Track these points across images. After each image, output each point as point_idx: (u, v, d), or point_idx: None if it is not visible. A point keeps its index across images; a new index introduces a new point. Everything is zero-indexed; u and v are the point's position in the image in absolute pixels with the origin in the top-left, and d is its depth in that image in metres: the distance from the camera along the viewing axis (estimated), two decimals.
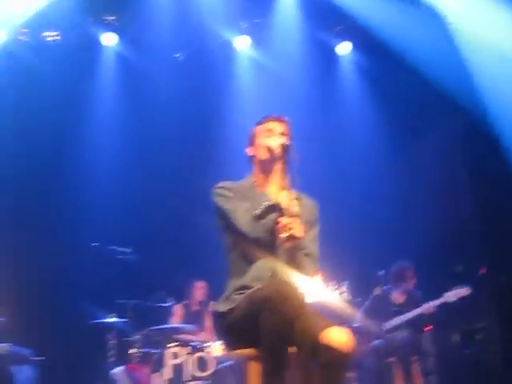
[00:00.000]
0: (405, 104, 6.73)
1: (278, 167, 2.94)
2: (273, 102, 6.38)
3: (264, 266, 2.87)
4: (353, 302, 5.69)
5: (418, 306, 5.49)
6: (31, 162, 6.56)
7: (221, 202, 2.96)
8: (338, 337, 2.63)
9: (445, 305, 5.35)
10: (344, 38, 7.19)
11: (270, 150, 2.96)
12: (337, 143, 6.93)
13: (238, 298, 2.82)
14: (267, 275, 2.84)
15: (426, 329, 5.93)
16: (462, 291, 5.29)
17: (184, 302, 6.55)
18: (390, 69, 6.68)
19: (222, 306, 2.89)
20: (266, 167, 3.01)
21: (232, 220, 2.89)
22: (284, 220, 2.80)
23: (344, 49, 7.25)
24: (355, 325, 5.73)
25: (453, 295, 5.29)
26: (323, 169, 6.60)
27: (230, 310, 2.82)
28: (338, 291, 5.51)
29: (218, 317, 2.91)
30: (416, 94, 6.56)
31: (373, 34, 6.58)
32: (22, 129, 6.39)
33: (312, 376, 2.63)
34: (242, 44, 7.06)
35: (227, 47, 7.10)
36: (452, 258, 6.52)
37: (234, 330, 2.82)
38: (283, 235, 2.78)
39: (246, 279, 2.87)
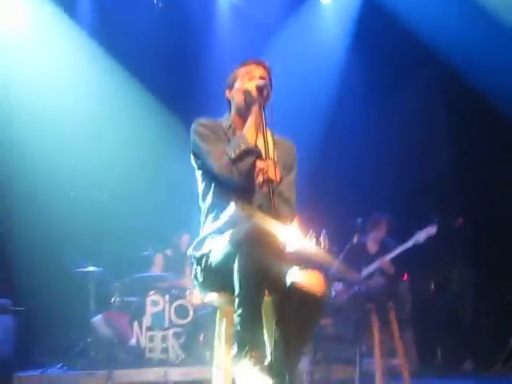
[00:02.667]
0: (387, 55, 6.68)
1: (254, 110, 2.88)
2: (253, 48, 6.29)
3: (239, 210, 2.86)
4: (330, 250, 5.72)
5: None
6: None
7: (197, 140, 2.90)
8: (309, 280, 2.64)
9: (416, 247, 5.41)
10: None
11: (246, 92, 2.92)
12: (316, 91, 6.84)
13: (213, 241, 2.80)
14: (242, 219, 2.83)
15: (404, 276, 6.04)
16: (429, 229, 5.35)
17: (164, 252, 6.56)
18: (374, 20, 6.62)
19: (197, 250, 2.87)
20: (243, 111, 2.96)
21: (207, 161, 2.84)
22: (260, 164, 2.78)
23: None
24: (333, 271, 5.80)
25: (422, 235, 5.36)
26: (303, 115, 6.56)
27: (205, 254, 2.81)
28: (315, 239, 5.53)
29: (194, 261, 2.90)
30: (400, 46, 6.52)
31: None
32: None
33: (287, 320, 2.64)
34: None
35: None
36: (429, 209, 6.58)
37: (209, 274, 2.81)
38: (259, 179, 2.77)
39: (220, 223, 2.85)
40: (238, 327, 2.58)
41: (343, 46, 6.98)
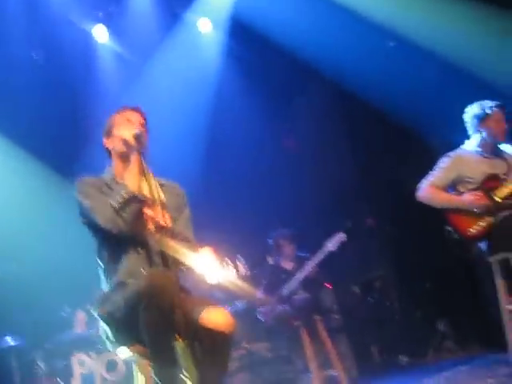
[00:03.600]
0: (270, 77, 6.82)
1: (133, 158, 2.86)
2: (135, 93, 6.26)
3: (136, 258, 2.82)
4: (250, 275, 5.74)
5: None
6: None
7: (81, 198, 2.86)
8: (215, 317, 2.64)
9: (330, 255, 5.49)
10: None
11: (124, 141, 2.90)
12: (208, 121, 6.87)
13: (116, 296, 2.75)
14: (139, 269, 2.79)
15: (327, 285, 6.11)
16: (338, 237, 5.44)
17: (85, 307, 6.34)
18: (252, 44, 6.74)
19: (103, 310, 2.80)
20: (124, 159, 2.94)
21: (93, 217, 2.79)
22: (148, 211, 2.77)
23: (204, 26, 7.14)
24: (256, 298, 5.80)
25: (333, 242, 5.44)
26: (196, 148, 6.57)
27: (111, 312, 2.74)
28: (232, 267, 5.52)
29: (99, 319, 2.84)
30: (283, 66, 6.68)
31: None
32: None
33: (200, 361, 2.63)
34: (100, 34, 6.81)
35: (86, 39, 6.83)
36: (339, 218, 6.73)
37: (118, 330, 2.75)
38: (151, 227, 2.75)
39: (120, 275, 2.81)
40: (156, 378, 2.57)
41: (225, 73, 7.02)
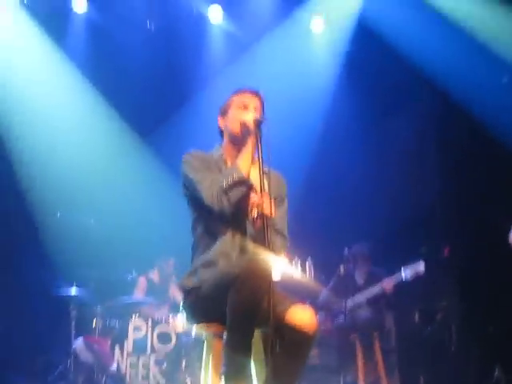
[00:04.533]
0: (378, 82, 6.72)
1: (251, 142, 2.83)
2: (245, 75, 6.30)
3: (231, 241, 2.82)
4: (316, 279, 5.72)
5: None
6: None
7: (188, 171, 2.87)
8: (301, 316, 2.62)
9: (403, 283, 5.42)
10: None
11: (243, 124, 2.87)
12: (307, 119, 6.85)
13: (205, 273, 2.77)
14: (234, 251, 2.80)
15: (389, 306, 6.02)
16: (417, 266, 5.37)
17: (148, 274, 6.48)
18: (365, 45, 6.67)
19: (189, 281, 2.83)
20: (237, 141, 2.92)
21: (198, 191, 2.79)
22: (254, 197, 2.76)
23: (317, 25, 7.13)
24: (319, 300, 5.78)
25: (409, 270, 5.37)
26: (293, 145, 6.55)
27: (197, 285, 2.77)
28: (301, 267, 5.53)
29: (184, 292, 2.86)
30: (391, 72, 6.56)
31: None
32: None
33: (276, 356, 2.59)
34: (215, 14, 6.90)
35: (200, 18, 6.94)
36: (416, 241, 6.59)
37: (199, 305, 2.77)
38: (253, 213, 2.74)
39: (212, 254, 2.81)
40: (227, 360, 2.57)
41: (334, 75, 6.98)
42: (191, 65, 6.85)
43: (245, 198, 2.79)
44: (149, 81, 6.71)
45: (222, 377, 2.61)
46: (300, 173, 6.29)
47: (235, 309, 2.50)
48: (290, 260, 5.65)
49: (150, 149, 6.80)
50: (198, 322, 2.83)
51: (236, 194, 2.75)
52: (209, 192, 2.76)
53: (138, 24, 6.76)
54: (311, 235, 6.08)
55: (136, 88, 6.68)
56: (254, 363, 2.74)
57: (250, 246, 2.80)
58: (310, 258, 5.73)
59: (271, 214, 2.71)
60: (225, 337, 2.67)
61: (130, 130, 6.84)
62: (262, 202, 2.71)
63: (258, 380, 2.70)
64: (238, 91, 3.04)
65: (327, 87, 6.93)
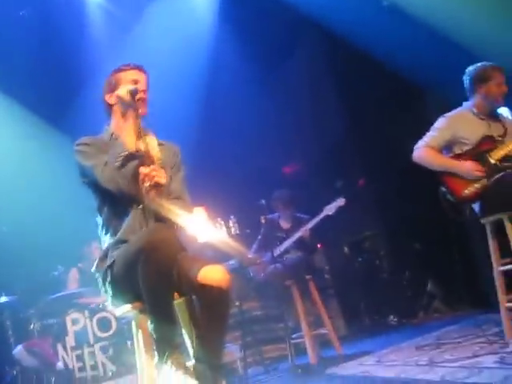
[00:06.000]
0: (261, 33, 6.70)
1: (130, 115, 2.86)
2: (125, 49, 6.18)
3: (136, 217, 2.83)
4: (242, 235, 5.78)
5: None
6: None
7: (81, 159, 2.88)
8: (212, 275, 2.64)
9: (328, 218, 5.56)
10: None
11: (119, 97, 2.90)
12: (203, 82, 6.78)
13: (116, 253, 2.77)
14: (140, 226, 2.81)
15: (317, 246, 6.17)
16: (338, 202, 5.53)
17: (78, 266, 6.37)
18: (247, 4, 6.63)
19: (102, 264, 2.84)
20: (123, 116, 2.93)
21: (93, 175, 2.81)
22: (144, 169, 2.75)
23: None
24: (250, 256, 5.85)
25: (332, 207, 5.52)
26: (190, 104, 6.50)
27: (109, 266, 2.77)
28: (225, 227, 5.56)
29: (100, 275, 2.85)
30: (272, 20, 6.56)
31: None
32: None
33: (201, 318, 2.65)
34: None
35: None
36: (331, 176, 6.73)
37: (116, 286, 2.77)
38: (146, 184, 2.74)
39: (120, 233, 2.83)
40: (154, 335, 2.59)
41: (214, 23, 6.89)
42: (75, 47, 6.61)
43: (137, 171, 2.77)
44: (32, 66, 6.44)
45: (155, 351, 2.62)
46: (196, 131, 6.25)
47: (147, 282, 2.51)
48: (213, 221, 5.68)
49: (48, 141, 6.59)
50: (121, 302, 2.82)
51: (128, 169, 2.76)
52: (103, 174, 2.77)
53: (9, 14, 6.44)
54: (229, 195, 6.12)
55: (23, 79, 6.41)
56: (184, 329, 2.77)
57: (153, 217, 2.81)
58: (232, 217, 5.76)
59: (163, 182, 2.73)
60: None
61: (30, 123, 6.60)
62: (151, 172, 2.71)
63: (190, 345, 2.73)
64: (121, 67, 3.04)
65: (209, 37, 6.84)
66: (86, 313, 5.61)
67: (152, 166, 2.74)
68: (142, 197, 2.81)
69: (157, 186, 2.72)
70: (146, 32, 6.61)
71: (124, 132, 2.85)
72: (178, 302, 2.74)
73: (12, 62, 6.38)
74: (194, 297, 2.71)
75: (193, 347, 2.67)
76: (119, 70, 3.02)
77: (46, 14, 6.53)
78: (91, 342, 5.56)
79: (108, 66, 3.16)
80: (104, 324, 5.61)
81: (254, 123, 6.84)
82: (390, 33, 5.78)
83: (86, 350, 5.54)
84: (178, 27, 6.65)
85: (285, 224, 5.94)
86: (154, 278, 2.49)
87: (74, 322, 5.60)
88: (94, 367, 5.50)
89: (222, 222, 5.67)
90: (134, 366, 5.30)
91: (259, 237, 5.95)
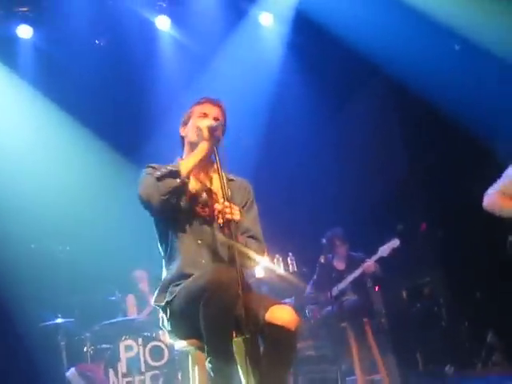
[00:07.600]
0: (331, 71, 6.73)
1: (200, 146, 2.83)
2: (198, 83, 6.29)
3: (196, 250, 2.82)
4: (299, 273, 5.74)
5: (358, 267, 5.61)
6: None
7: (141, 177, 2.87)
8: (281, 314, 2.61)
9: (382, 260, 5.47)
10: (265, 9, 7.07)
11: (198, 130, 2.88)
12: (268, 116, 6.85)
13: (177, 289, 2.75)
14: (200, 260, 2.80)
15: (375, 288, 6.05)
16: (392, 243, 5.44)
17: (136, 293, 6.43)
18: (314, 38, 6.68)
19: (161, 298, 2.81)
20: (194, 147, 2.90)
21: (139, 190, 2.80)
22: (218, 206, 2.74)
23: (266, 20, 7.12)
24: (306, 294, 5.80)
25: (385, 248, 5.43)
26: (256, 145, 6.56)
27: (169, 301, 2.75)
28: (283, 264, 5.56)
29: (159, 309, 2.85)
30: (341, 59, 6.58)
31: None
32: None
33: (264, 359, 2.61)
34: (163, 24, 6.86)
35: (148, 28, 6.89)
36: (392, 219, 6.61)
37: (175, 322, 2.76)
38: (219, 221, 2.73)
39: (181, 267, 2.80)
40: (212, 373, 2.56)
41: (286, 66, 6.98)
42: (145, 77, 6.80)
43: (180, 193, 2.75)
44: (105, 95, 6.62)
45: None
46: (264, 170, 6.29)
47: (208, 322, 2.49)
48: (272, 259, 5.68)
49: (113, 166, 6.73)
50: (178, 338, 2.81)
51: (166, 184, 2.72)
52: (141, 180, 2.81)
53: (86, 42, 6.68)
54: (288, 231, 6.10)
55: (96, 103, 6.60)
56: (242, 371, 2.73)
57: (223, 253, 2.80)
58: (290, 254, 5.75)
59: (237, 218, 2.70)
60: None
61: (96, 149, 6.77)
62: (224, 209, 2.69)
63: None
64: (198, 101, 3.06)
65: (280, 78, 6.92)
66: (140, 340, 5.65)
67: (225, 203, 2.70)
68: (209, 231, 2.81)
69: (230, 222, 2.68)
70: (218, 65, 6.71)
71: (186, 156, 2.87)
72: (238, 341, 2.71)
73: (85, 90, 6.58)
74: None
75: None
76: (195, 104, 3.04)
77: (120, 43, 6.75)
78: (142, 369, 5.59)
79: (172, 96, 3.18)
80: (157, 353, 5.62)
81: (315, 157, 6.85)
82: (459, 79, 5.74)
83: (137, 378, 5.57)
84: (248, 60, 6.76)
85: (339, 264, 5.87)
86: (216, 318, 2.47)
87: (128, 348, 5.64)
88: None
89: (280, 259, 5.69)
90: None
91: (314, 276, 5.90)
